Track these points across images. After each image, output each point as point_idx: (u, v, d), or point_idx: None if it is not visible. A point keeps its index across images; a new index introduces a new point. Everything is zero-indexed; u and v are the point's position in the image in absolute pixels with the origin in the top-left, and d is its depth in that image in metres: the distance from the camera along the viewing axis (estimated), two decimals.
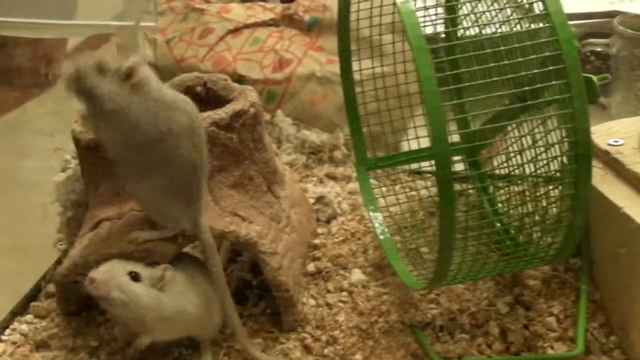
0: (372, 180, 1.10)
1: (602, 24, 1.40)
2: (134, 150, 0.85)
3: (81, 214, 1.07)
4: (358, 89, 1.07)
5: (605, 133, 0.99)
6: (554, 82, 0.80)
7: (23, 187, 1.35)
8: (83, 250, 0.92)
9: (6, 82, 1.42)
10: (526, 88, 0.82)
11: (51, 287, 1.04)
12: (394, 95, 1.08)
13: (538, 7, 0.82)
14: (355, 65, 1.06)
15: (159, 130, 0.84)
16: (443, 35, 1.01)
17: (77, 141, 0.96)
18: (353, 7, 1.02)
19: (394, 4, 0.81)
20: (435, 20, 0.93)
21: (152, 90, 0.84)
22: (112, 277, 0.85)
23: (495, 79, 0.82)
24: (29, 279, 1.08)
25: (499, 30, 0.86)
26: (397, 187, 1.11)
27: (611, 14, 1.38)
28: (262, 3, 1.44)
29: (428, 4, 0.94)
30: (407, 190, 1.11)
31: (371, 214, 1.05)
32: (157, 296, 0.87)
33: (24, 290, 1.06)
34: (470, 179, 1.09)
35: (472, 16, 0.91)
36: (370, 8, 1.02)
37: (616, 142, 0.97)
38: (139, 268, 0.87)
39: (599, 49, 1.32)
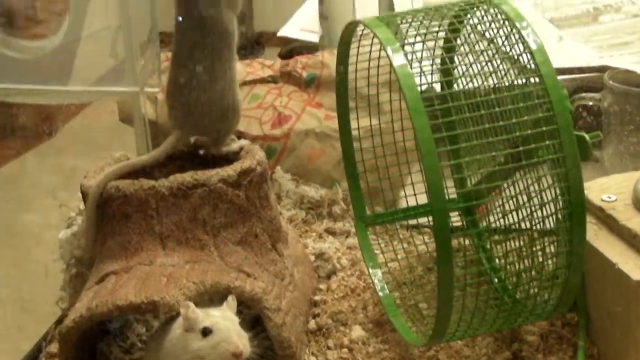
0: (371, 236, 1.11)
1: (592, 79, 1.42)
2: None
3: (85, 271, 1.08)
4: (356, 145, 1.09)
5: (599, 189, 1.00)
6: (547, 142, 0.82)
7: (24, 241, 1.34)
8: (90, 302, 0.91)
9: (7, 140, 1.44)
10: (520, 148, 0.84)
11: (52, 348, 1.03)
12: (391, 152, 1.10)
13: (530, 68, 0.84)
14: (353, 123, 1.08)
15: None
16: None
17: (86, 196, 0.97)
18: (351, 68, 1.05)
19: (391, 65, 0.84)
20: (432, 71, 0.95)
21: None
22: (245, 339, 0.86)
23: (491, 139, 0.84)
24: (29, 337, 1.06)
25: (493, 89, 0.88)
26: (396, 243, 1.12)
27: (602, 69, 1.40)
28: (261, 60, 1.47)
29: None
30: (406, 245, 1.12)
31: (371, 270, 1.06)
32: None
33: (25, 349, 1.04)
34: (468, 236, 1.11)
35: (466, 78, 0.94)
36: (368, 68, 1.04)
37: (609, 197, 0.98)
38: (229, 313, 0.88)
39: (590, 104, 1.34)
